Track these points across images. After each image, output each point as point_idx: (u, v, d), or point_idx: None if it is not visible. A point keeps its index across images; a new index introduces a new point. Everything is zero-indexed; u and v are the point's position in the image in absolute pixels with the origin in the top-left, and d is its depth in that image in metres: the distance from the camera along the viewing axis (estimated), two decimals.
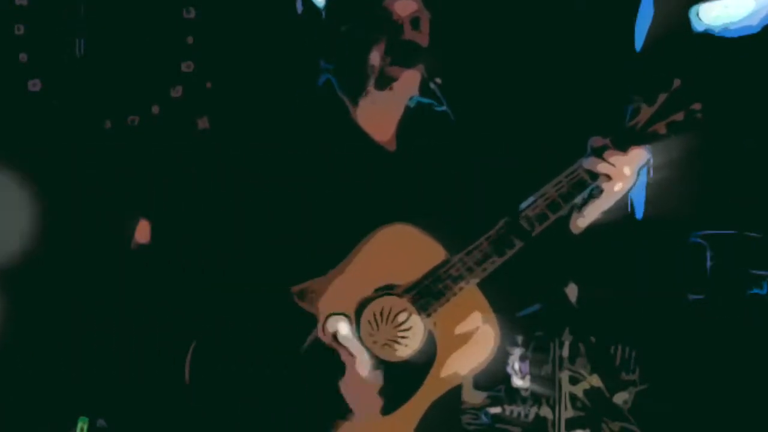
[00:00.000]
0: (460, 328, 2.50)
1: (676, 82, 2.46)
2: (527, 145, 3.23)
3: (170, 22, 4.06)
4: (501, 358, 2.56)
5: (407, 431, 2.45)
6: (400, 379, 2.45)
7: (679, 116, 2.46)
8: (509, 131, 3.36)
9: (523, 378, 4.24)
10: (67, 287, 3.90)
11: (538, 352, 4.28)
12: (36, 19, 3.94)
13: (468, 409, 4.18)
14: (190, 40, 4.07)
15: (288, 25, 4.03)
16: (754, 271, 4.13)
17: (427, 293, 2.47)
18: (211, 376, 2.43)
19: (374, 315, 2.46)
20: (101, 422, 3.74)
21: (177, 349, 2.49)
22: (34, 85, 3.94)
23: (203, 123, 4.02)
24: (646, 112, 2.48)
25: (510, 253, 2.48)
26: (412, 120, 2.70)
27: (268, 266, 2.48)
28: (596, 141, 2.48)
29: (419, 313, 2.47)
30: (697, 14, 4.08)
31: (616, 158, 2.44)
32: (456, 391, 2.60)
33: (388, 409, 2.44)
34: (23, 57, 3.93)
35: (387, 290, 2.48)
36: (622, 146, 2.45)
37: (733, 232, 4.14)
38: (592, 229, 2.57)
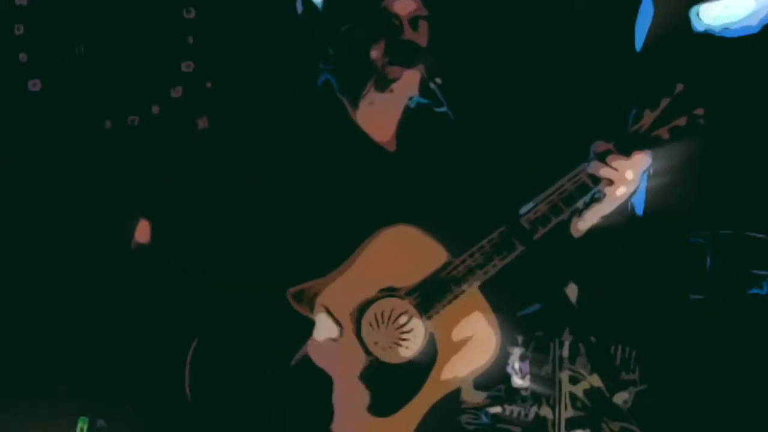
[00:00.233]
0: (462, 331, 2.50)
1: (679, 87, 2.47)
2: (527, 146, 3.23)
3: (170, 22, 4.05)
4: (501, 358, 2.56)
5: None
6: (401, 381, 2.45)
7: (681, 121, 2.47)
8: (509, 132, 3.35)
9: (523, 378, 4.23)
10: (67, 287, 3.90)
11: (538, 351, 4.27)
12: (36, 19, 3.94)
13: (468, 408, 4.18)
14: (190, 40, 4.07)
15: (288, 25, 4.03)
16: (754, 271, 4.13)
17: (428, 295, 2.47)
18: (210, 376, 2.43)
19: (375, 316, 2.47)
20: (101, 422, 3.74)
21: (177, 349, 2.49)
22: (34, 85, 3.94)
23: (203, 123, 4.01)
24: (649, 116, 2.48)
25: (511, 256, 2.49)
26: (411, 120, 2.70)
27: (268, 267, 2.48)
28: (599, 146, 2.49)
29: (420, 315, 2.47)
30: (697, 14, 4.08)
31: (619, 163, 2.45)
32: (455, 392, 2.60)
33: (388, 411, 2.44)
34: (23, 57, 3.93)
35: (389, 292, 2.48)
36: (625, 151, 2.46)
37: (733, 232, 4.13)
38: (592, 230, 2.57)
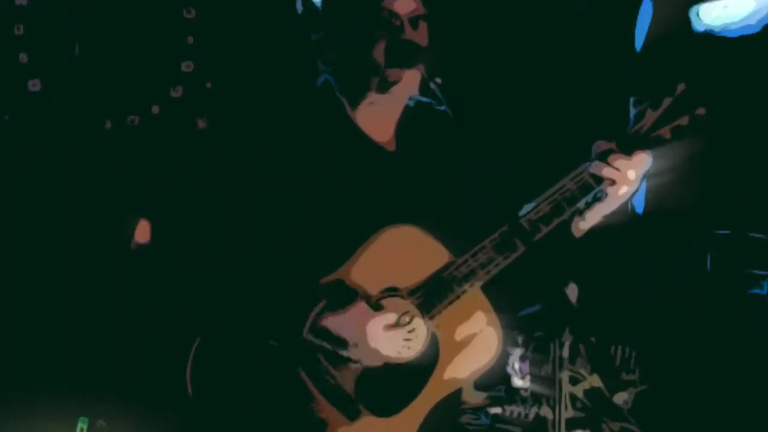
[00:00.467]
0: (464, 331, 2.50)
1: (681, 87, 2.47)
2: (528, 145, 3.23)
3: (170, 22, 4.05)
4: (501, 358, 2.56)
5: None
6: (404, 381, 2.45)
7: (683, 121, 2.47)
8: (510, 131, 3.36)
9: (523, 378, 4.23)
10: (67, 287, 3.90)
11: (538, 352, 4.27)
12: (36, 19, 3.93)
13: (468, 409, 4.18)
14: (190, 40, 4.06)
15: (288, 25, 4.02)
16: (754, 271, 4.13)
17: (430, 295, 2.47)
18: (211, 376, 2.43)
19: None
20: (101, 423, 3.73)
21: (177, 349, 2.49)
22: (34, 85, 3.94)
23: (203, 123, 4.01)
24: (650, 116, 2.48)
25: (513, 256, 2.49)
26: (411, 120, 2.70)
27: (269, 267, 2.48)
28: (601, 145, 2.49)
29: (423, 316, 2.47)
30: (697, 14, 4.08)
31: (620, 162, 2.45)
32: (456, 392, 2.60)
33: (391, 411, 2.44)
34: (23, 57, 3.92)
35: (391, 292, 2.48)
36: (627, 150, 2.46)
37: (733, 232, 4.13)
38: (593, 230, 2.58)
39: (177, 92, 4.05)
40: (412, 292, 2.48)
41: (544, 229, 2.50)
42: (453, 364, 2.49)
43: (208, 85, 4.07)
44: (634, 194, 2.52)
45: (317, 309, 2.43)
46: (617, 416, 4.26)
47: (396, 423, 2.44)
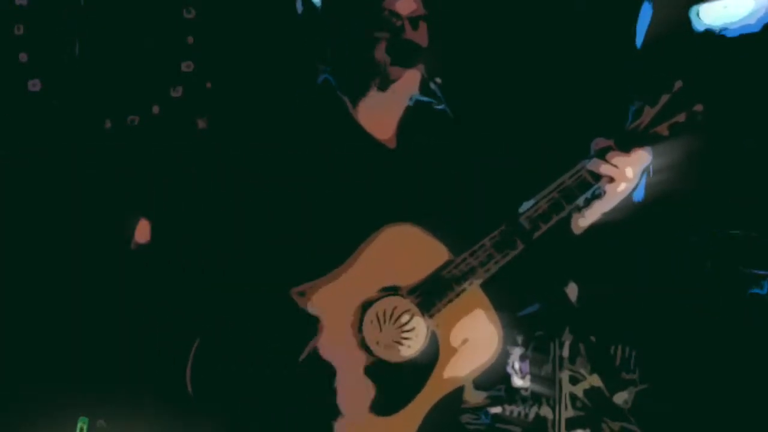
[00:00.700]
0: (464, 330, 2.50)
1: (678, 84, 2.47)
2: (527, 143, 3.23)
3: (170, 22, 4.05)
4: (501, 358, 2.56)
5: (410, 431, 2.46)
6: (403, 380, 2.45)
7: (681, 117, 2.47)
8: (510, 130, 3.36)
9: (523, 378, 4.23)
10: (67, 287, 3.90)
11: (538, 351, 4.27)
12: (36, 19, 3.93)
13: (468, 408, 4.18)
14: (190, 40, 4.06)
15: (288, 25, 4.03)
16: (754, 271, 4.13)
17: (430, 294, 2.48)
18: (211, 376, 2.43)
19: (377, 315, 2.47)
20: (101, 423, 3.73)
21: (177, 349, 2.49)
22: (34, 85, 3.94)
23: (203, 123, 4.01)
24: (648, 113, 2.48)
25: (513, 254, 2.49)
26: (412, 118, 2.70)
27: (269, 266, 2.48)
28: (599, 143, 2.50)
29: (423, 314, 2.47)
30: (697, 14, 4.08)
31: (619, 160, 2.45)
32: (458, 392, 2.60)
33: (391, 410, 2.44)
34: (23, 57, 3.92)
35: (390, 291, 2.48)
36: (625, 148, 2.46)
37: (733, 232, 4.13)
38: (593, 228, 2.58)
39: (177, 92, 4.05)
40: (411, 291, 2.48)
41: (544, 227, 2.51)
42: (453, 363, 2.49)
43: (208, 85, 4.07)
44: (632, 191, 2.52)
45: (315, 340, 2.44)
46: (617, 416, 4.26)
47: (396, 422, 2.45)
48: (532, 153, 2.88)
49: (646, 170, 2.50)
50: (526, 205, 2.52)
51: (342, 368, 2.44)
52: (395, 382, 2.46)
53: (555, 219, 2.51)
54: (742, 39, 4.03)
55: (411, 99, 2.70)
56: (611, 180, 2.48)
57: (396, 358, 2.47)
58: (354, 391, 2.44)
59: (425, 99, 2.69)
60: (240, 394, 2.44)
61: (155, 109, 4.03)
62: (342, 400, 2.43)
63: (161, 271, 2.61)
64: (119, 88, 4.01)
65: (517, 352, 4.22)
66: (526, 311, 2.91)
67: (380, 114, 2.67)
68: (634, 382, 4.29)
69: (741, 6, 4.07)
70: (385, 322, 2.47)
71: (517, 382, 4.22)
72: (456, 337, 2.50)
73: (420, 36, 2.62)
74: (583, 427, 4.20)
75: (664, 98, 2.47)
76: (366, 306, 2.47)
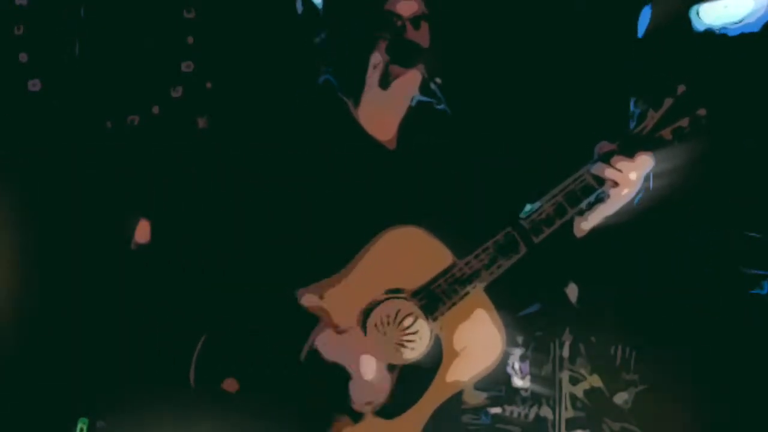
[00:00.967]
0: (467, 332, 2.50)
1: (681, 88, 2.47)
2: (531, 146, 3.23)
3: (170, 22, 4.05)
4: (501, 359, 2.56)
5: None
6: (407, 383, 2.45)
7: (684, 122, 2.47)
8: (513, 132, 3.36)
9: (523, 378, 4.24)
10: (67, 287, 3.90)
11: (538, 352, 4.28)
12: (36, 19, 3.93)
13: (468, 409, 4.18)
14: (190, 40, 4.06)
15: (288, 25, 4.03)
16: (754, 271, 4.13)
17: (434, 297, 2.47)
18: (213, 377, 2.43)
19: (381, 318, 2.46)
20: (101, 424, 3.74)
21: (178, 349, 2.48)
22: (34, 85, 3.94)
23: (203, 123, 4.01)
24: (652, 117, 2.48)
25: (516, 257, 2.49)
26: (413, 119, 2.70)
27: (270, 267, 2.48)
28: (603, 146, 2.49)
29: (426, 317, 2.47)
30: (698, 14, 4.08)
31: (623, 164, 2.45)
32: (459, 393, 2.60)
33: (394, 413, 2.44)
34: (23, 57, 3.92)
35: (394, 294, 2.48)
36: (629, 151, 2.46)
37: (733, 231, 4.14)
38: (594, 230, 2.58)
39: (177, 92, 4.05)
40: (415, 294, 2.48)
41: (547, 231, 2.50)
42: (456, 366, 2.49)
43: (208, 85, 4.07)
44: (636, 195, 2.52)
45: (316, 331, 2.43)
46: (617, 416, 4.26)
47: (399, 424, 2.44)
48: (535, 155, 2.88)
49: (648, 175, 2.50)
50: (529, 209, 2.52)
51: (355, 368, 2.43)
52: (399, 385, 2.46)
53: (558, 223, 2.50)
54: (742, 39, 4.03)
55: (413, 99, 2.70)
56: (615, 184, 2.48)
57: (399, 361, 2.46)
58: (366, 390, 2.43)
59: (427, 99, 2.69)
60: (242, 394, 2.43)
61: (155, 109, 4.03)
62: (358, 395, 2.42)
63: (161, 271, 2.61)
64: (119, 88, 4.01)
65: (517, 352, 4.22)
66: (527, 311, 2.91)
67: (381, 115, 2.66)
68: (634, 383, 4.29)
69: (741, 6, 4.07)
70: (388, 324, 2.47)
71: (518, 382, 4.23)
72: (459, 340, 2.49)
73: (421, 36, 2.62)
74: (583, 427, 4.21)
75: (668, 102, 2.47)
76: (369, 309, 2.47)
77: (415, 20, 2.61)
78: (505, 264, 2.49)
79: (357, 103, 2.65)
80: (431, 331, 2.47)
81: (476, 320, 2.50)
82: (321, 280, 2.47)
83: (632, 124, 2.50)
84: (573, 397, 4.25)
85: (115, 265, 3.76)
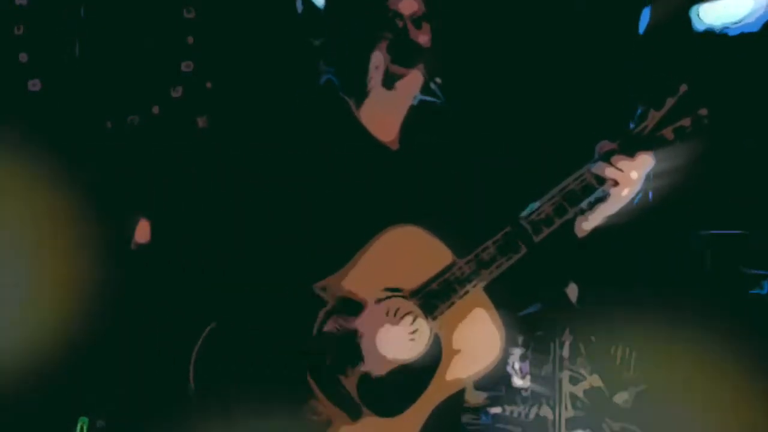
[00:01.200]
0: (467, 331, 2.50)
1: (683, 87, 2.47)
2: (532, 145, 3.22)
3: (170, 22, 4.05)
4: (501, 359, 2.56)
5: None
6: (406, 381, 2.45)
7: (686, 121, 2.47)
8: (514, 131, 3.35)
9: (523, 378, 4.24)
10: (66, 287, 3.90)
11: (538, 352, 4.28)
12: (36, 19, 3.93)
13: (468, 409, 4.18)
14: (190, 40, 4.07)
15: (288, 25, 4.03)
16: (754, 271, 4.13)
17: (433, 296, 2.47)
18: (212, 377, 2.43)
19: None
20: (101, 423, 3.74)
21: (177, 349, 2.48)
22: (34, 85, 3.94)
23: (203, 123, 4.01)
24: (653, 116, 2.48)
25: (516, 257, 2.49)
26: (415, 119, 2.70)
27: (270, 267, 2.48)
28: (604, 146, 2.49)
29: (425, 316, 2.47)
30: (698, 14, 4.09)
31: (623, 163, 2.45)
32: (459, 392, 2.60)
33: (393, 411, 2.44)
34: (23, 57, 3.92)
35: (393, 292, 2.48)
36: (630, 151, 2.45)
37: (733, 232, 4.14)
38: (595, 230, 2.57)
39: (177, 92, 4.05)
40: (414, 293, 2.48)
41: (547, 230, 2.50)
42: (456, 365, 2.49)
43: (208, 85, 4.07)
44: (636, 195, 2.52)
45: (327, 308, 2.43)
46: (617, 416, 4.26)
47: (398, 423, 2.44)
48: (536, 155, 2.87)
49: (649, 174, 2.50)
50: (529, 208, 2.51)
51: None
52: (398, 384, 2.45)
53: (558, 222, 2.50)
54: (742, 38, 4.03)
55: (415, 99, 2.70)
56: (615, 183, 2.48)
57: (398, 360, 2.46)
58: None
59: (429, 99, 2.69)
60: (241, 394, 2.43)
61: (155, 109, 4.03)
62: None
63: (161, 271, 2.61)
64: (119, 88, 4.01)
65: (517, 352, 4.23)
66: (527, 311, 2.90)
67: (383, 115, 2.66)
68: (635, 383, 4.29)
69: (741, 5, 4.07)
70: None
71: (518, 382, 4.23)
72: (458, 339, 2.49)
73: (423, 36, 2.62)
74: (583, 427, 4.21)
75: (670, 101, 2.47)
76: None
77: (417, 20, 2.61)
78: (505, 264, 2.49)
79: (359, 103, 2.65)
80: (430, 330, 2.47)
81: (476, 319, 2.50)
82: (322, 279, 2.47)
83: (634, 124, 2.49)
84: (573, 397, 4.25)
85: (115, 265, 3.76)
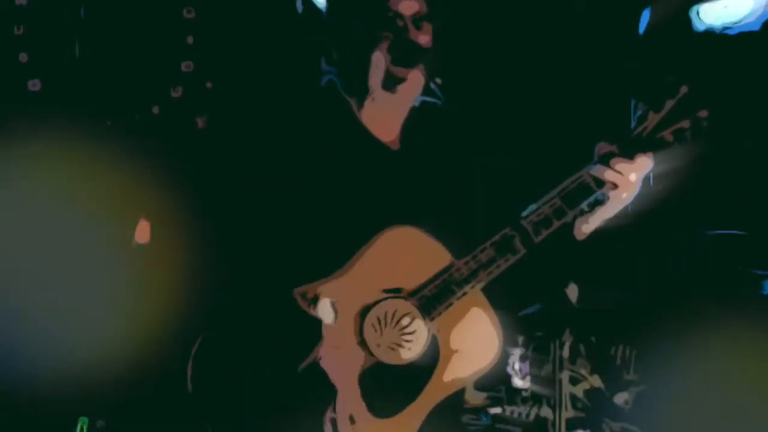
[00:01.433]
0: (465, 332, 2.50)
1: (683, 89, 2.46)
2: (531, 147, 3.22)
3: (170, 22, 4.05)
4: (501, 359, 2.56)
5: None
6: (404, 382, 2.45)
7: (685, 123, 2.47)
8: (513, 133, 3.35)
9: (523, 378, 4.23)
10: (66, 287, 3.90)
11: (538, 352, 4.27)
12: (36, 19, 3.93)
13: (468, 409, 4.18)
14: (190, 40, 4.06)
15: (288, 25, 4.03)
16: (754, 271, 4.13)
17: (431, 297, 2.47)
18: (211, 378, 2.43)
19: (378, 318, 2.46)
20: (101, 423, 3.74)
21: (177, 350, 2.48)
22: (34, 85, 3.93)
23: (203, 123, 4.01)
24: (653, 118, 2.48)
25: (514, 258, 2.49)
26: (416, 120, 2.70)
27: (270, 267, 2.48)
28: (603, 148, 2.49)
29: (423, 317, 2.47)
30: (698, 14, 4.08)
31: (622, 166, 2.45)
32: (459, 393, 2.60)
33: (391, 412, 2.44)
34: (23, 57, 3.92)
35: (392, 293, 2.48)
36: (629, 153, 2.45)
37: (733, 232, 4.13)
38: (595, 231, 2.58)
39: (177, 92, 4.05)
40: (413, 294, 2.48)
41: (545, 232, 2.50)
42: (453, 366, 2.49)
43: (208, 85, 4.07)
44: (635, 197, 2.52)
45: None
46: (617, 416, 4.26)
47: (396, 424, 2.44)
48: (536, 156, 2.87)
49: (648, 176, 2.50)
50: (528, 210, 2.51)
51: (342, 371, 2.44)
52: (396, 385, 2.46)
53: (557, 224, 2.50)
54: (742, 38, 4.03)
55: (417, 100, 2.70)
56: (614, 186, 2.48)
57: (396, 361, 2.47)
58: (353, 394, 2.44)
59: (431, 99, 2.69)
60: (240, 394, 2.43)
61: (155, 109, 4.03)
62: (340, 405, 2.43)
63: (161, 271, 2.61)
64: (119, 88, 4.00)
65: (517, 352, 4.22)
66: (527, 311, 2.91)
67: (384, 116, 2.66)
68: (635, 383, 4.29)
69: (741, 5, 4.07)
70: (385, 324, 2.47)
71: (518, 382, 4.23)
72: (456, 340, 2.49)
73: (423, 37, 2.62)
74: (583, 427, 4.21)
75: (669, 103, 2.47)
76: (367, 308, 2.47)
77: (417, 20, 2.61)
78: (503, 265, 2.49)
79: (360, 103, 2.65)
80: (428, 331, 2.48)
81: (473, 320, 2.50)
82: (320, 280, 2.48)
83: (633, 126, 2.49)
84: (573, 397, 4.24)
85: (115, 265, 3.76)
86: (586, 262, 2.64)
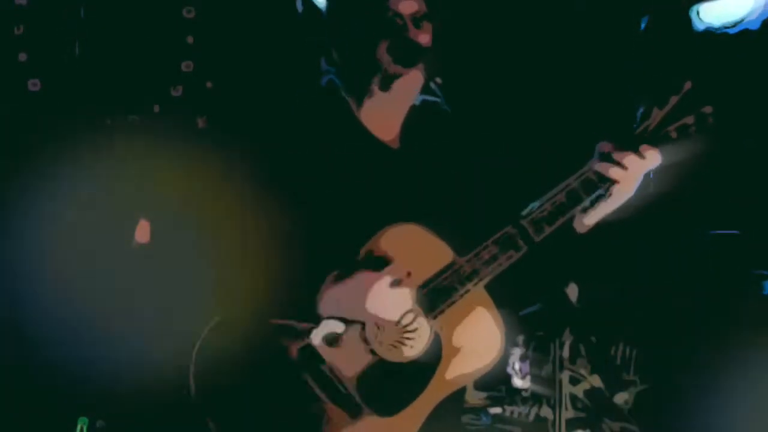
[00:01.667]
0: (467, 330, 2.50)
1: (687, 85, 2.46)
2: (532, 144, 3.23)
3: (170, 22, 4.05)
4: (501, 359, 2.56)
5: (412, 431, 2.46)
6: (406, 380, 2.45)
7: (689, 119, 2.47)
8: (515, 130, 3.36)
9: (523, 378, 4.24)
10: (66, 287, 3.90)
11: (538, 352, 4.28)
12: (36, 19, 3.93)
13: (468, 409, 4.18)
14: (190, 40, 4.06)
15: (288, 25, 4.03)
16: (754, 271, 4.13)
17: (433, 295, 2.47)
18: (212, 377, 2.43)
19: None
20: (101, 423, 3.73)
21: (177, 349, 2.48)
22: (34, 85, 3.94)
23: (204, 123, 4.01)
24: (656, 115, 2.48)
25: (517, 256, 2.49)
26: (416, 119, 2.70)
27: (270, 266, 2.48)
28: (605, 145, 2.49)
29: (426, 315, 2.47)
30: (698, 13, 4.09)
31: (625, 161, 2.45)
32: (460, 392, 2.60)
33: (392, 410, 2.44)
34: (23, 57, 3.92)
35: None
36: (633, 150, 2.45)
37: (733, 232, 4.14)
38: (594, 229, 2.58)
39: (177, 92, 4.05)
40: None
41: (548, 229, 2.50)
42: (455, 364, 2.49)
43: (208, 84, 4.07)
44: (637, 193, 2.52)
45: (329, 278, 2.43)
46: (617, 416, 4.26)
47: (398, 422, 2.44)
48: (536, 153, 2.87)
49: (650, 173, 2.50)
50: (530, 207, 2.51)
51: (343, 368, 2.44)
52: (397, 383, 2.45)
53: (559, 221, 2.50)
54: (743, 38, 4.03)
55: (417, 99, 2.70)
56: (617, 182, 2.48)
57: (399, 359, 2.46)
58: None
59: (432, 99, 2.69)
60: (241, 393, 2.43)
61: (156, 109, 4.03)
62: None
63: (161, 271, 2.61)
64: (119, 88, 4.00)
65: (517, 352, 4.22)
66: (527, 311, 2.91)
67: (384, 115, 2.66)
68: (634, 382, 4.29)
69: (740, 4, 4.08)
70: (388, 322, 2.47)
71: (518, 382, 4.23)
72: (459, 338, 2.49)
73: (423, 36, 2.62)
74: (583, 427, 4.21)
75: (674, 99, 2.46)
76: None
77: (417, 20, 2.61)
78: (506, 262, 2.49)
79: (360, 102, 2.65)
80: (431, 329, 2.47)
81: (476, 318, 2.50)
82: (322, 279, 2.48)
83: (637, 123, 2.49)
84: (573, 397, 4.25)
85: (115, 265, 3.76)
86: (586, 259, 2.64)
